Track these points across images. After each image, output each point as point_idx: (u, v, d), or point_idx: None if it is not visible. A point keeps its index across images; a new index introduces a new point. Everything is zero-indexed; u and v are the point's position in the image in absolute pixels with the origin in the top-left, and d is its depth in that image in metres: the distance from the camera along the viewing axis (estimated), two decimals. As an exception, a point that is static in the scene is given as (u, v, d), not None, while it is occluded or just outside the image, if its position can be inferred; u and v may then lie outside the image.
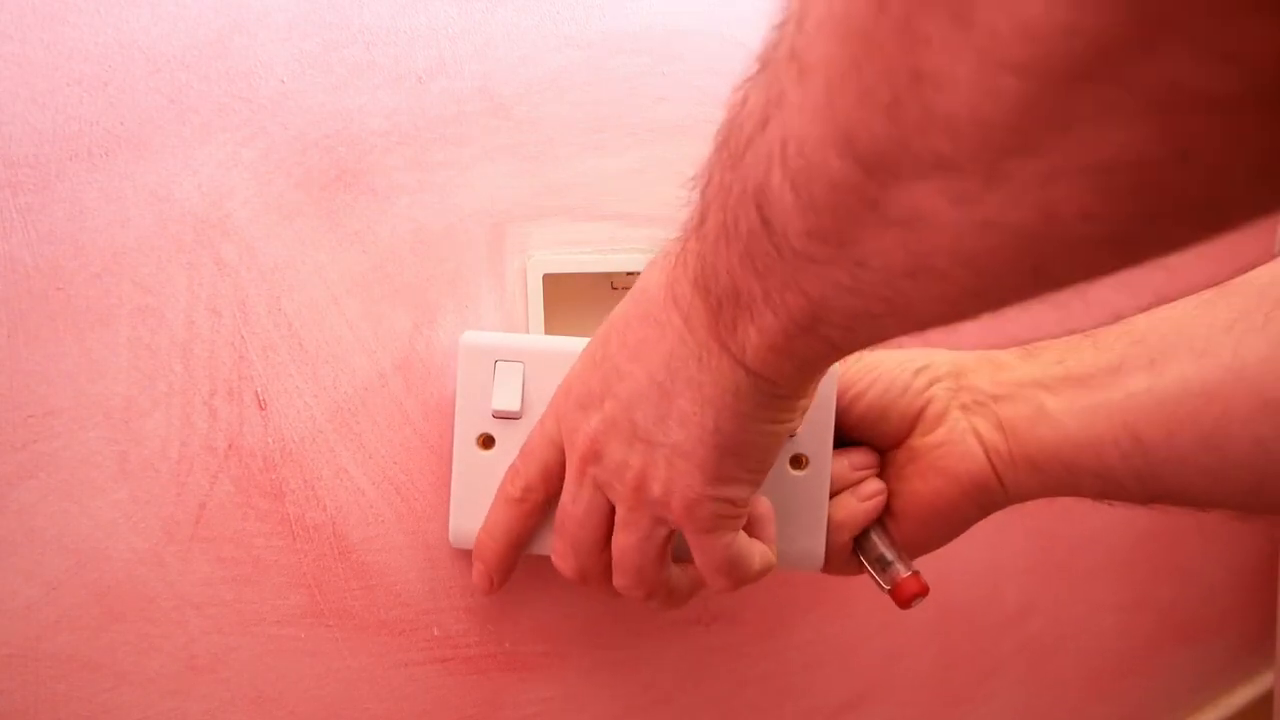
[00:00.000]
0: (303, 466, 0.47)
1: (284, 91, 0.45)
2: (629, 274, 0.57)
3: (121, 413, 0.42)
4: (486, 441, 0.46)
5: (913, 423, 0.46)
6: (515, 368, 0.46)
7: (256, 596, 0.46)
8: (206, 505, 0.45)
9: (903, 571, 0.47)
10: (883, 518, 0.48)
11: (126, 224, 0.42)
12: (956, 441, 0.45)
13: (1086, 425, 0.43)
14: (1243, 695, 1.04)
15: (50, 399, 0.41)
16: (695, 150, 0.57)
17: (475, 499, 0.47)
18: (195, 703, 0.45)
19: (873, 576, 0.48)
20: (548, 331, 0.53)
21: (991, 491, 0.46)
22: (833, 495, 0.47)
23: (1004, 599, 0.78)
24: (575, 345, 0.45)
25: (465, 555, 0.51)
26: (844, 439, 0.48)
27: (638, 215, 0.55)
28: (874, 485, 0.47)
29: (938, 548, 0.49)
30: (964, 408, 0.46)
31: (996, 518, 0.76)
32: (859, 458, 0.47)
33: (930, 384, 0.46)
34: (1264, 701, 1.04)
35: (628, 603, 0.58)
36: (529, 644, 0.54)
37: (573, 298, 0.56)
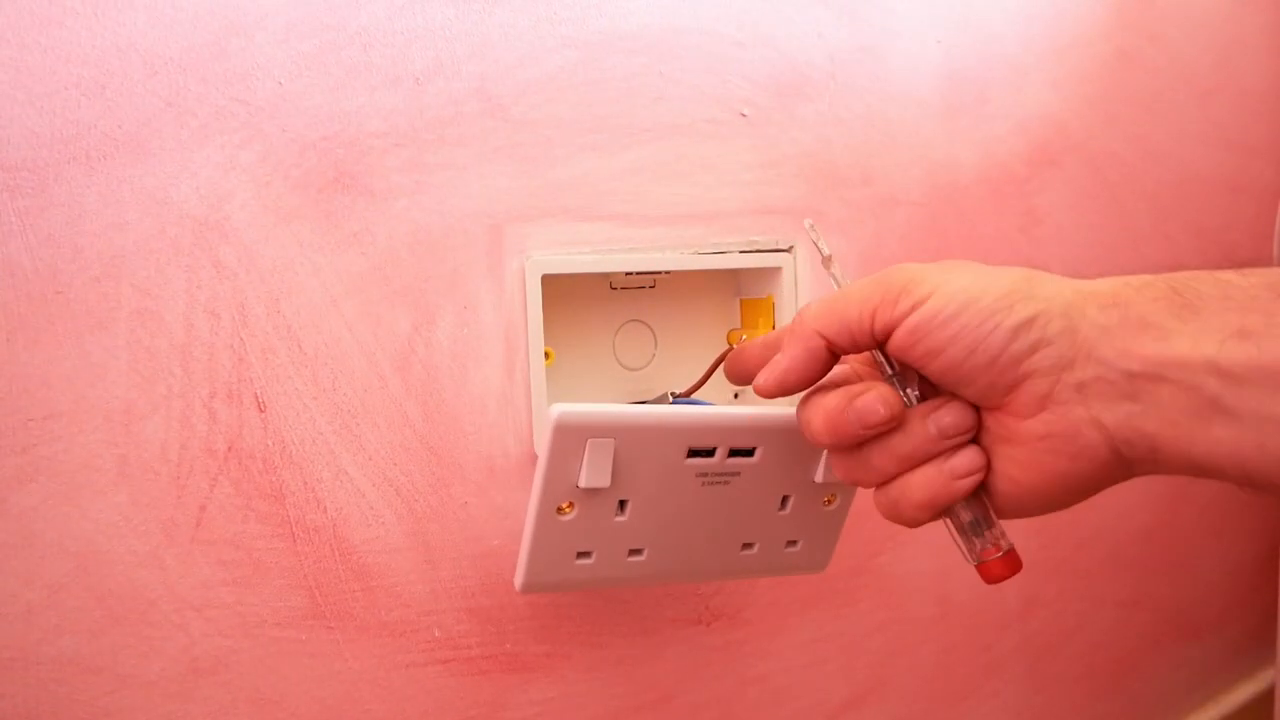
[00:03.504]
0: (303, 468, 0.47)
1: (282, 94, 0.45)
2: (627, 274, 0.57)
3: (121, 416, 0.42)
4: (566, 508, 0.47)
5: (1003, 396, 0.35)
6: (606, 444, 0.45)
7: (257, 599, 0.46)
8: (207, 508, 0.45)
9: (993, 547, 0.38)
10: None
11: (125, 227, 0.42)
12: (1068, 436, 0.34)
13: None
14: (1243, 692, 1.04)
15: (50, 402, 0.41)
16: (693, 150, 0.57)
17: (548, 556, 0.48)
18: (197, 705, 0.45)
19: (956, 543, 0.39)
20: (547, 331, 0.53)
21: (1114, 480, 0.35)
22: (915, 465, 0.37)
23: (1005, 596, 0.78)
24: (664, 416, 0.46)
25: (466, 556, 0.51)
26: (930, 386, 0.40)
27: (636, 215, 0.55)
28: (968, 461, 0.36)
29: (1038, 515, 0.38)
30: (1080, 388, 0.33)
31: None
32: (949, 421, 0.36)
33: (1031, 351, 0.34)
34: (1265, 698, 1.04)
35: (628, 603, 0.58)
36: (530, 644, 0.54)
37: (571, 298, 0.56)
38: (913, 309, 0.35)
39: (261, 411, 0.45)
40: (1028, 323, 0.34)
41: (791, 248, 0.60)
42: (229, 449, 0.45)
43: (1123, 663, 0.92)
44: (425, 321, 0.49)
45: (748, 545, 0.51)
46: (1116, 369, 0.33)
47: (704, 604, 0.61)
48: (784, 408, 0.51)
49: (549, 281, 0.52)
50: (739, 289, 0.62)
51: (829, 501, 0.51)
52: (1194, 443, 0.32)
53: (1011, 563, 0.38)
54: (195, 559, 0.44)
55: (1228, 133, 0.92)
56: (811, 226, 0.45)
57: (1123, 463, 0.34)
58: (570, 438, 0.44)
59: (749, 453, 0.48)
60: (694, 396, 0.58)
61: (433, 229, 0.49)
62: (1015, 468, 0.36)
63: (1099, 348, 0.33)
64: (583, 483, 0.45)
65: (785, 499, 0.50)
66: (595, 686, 0.57)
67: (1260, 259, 0.94)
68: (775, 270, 0.59)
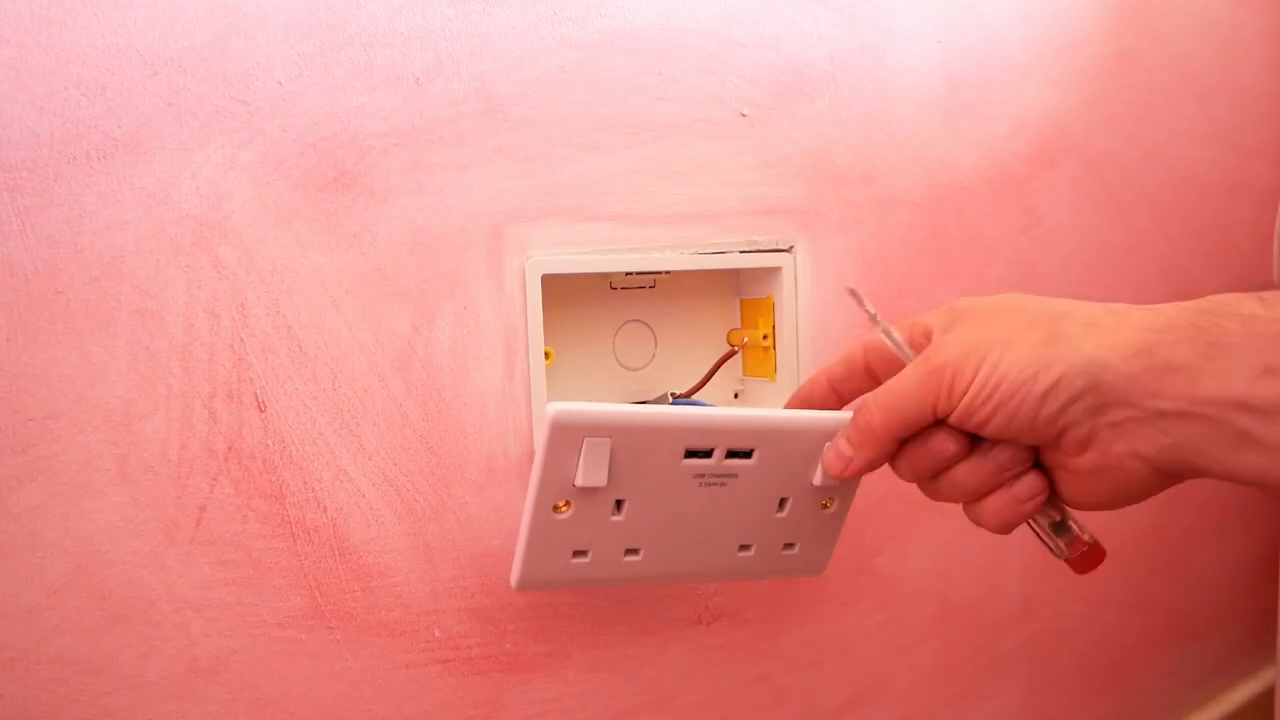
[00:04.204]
0: (302, 468, 0.47)
1: (282, 94, 0.45)
2: (627, 274, 0.57)
3: (121, 416, 0.42)
4: (563, 506, 0.47)
5: (1053, 441, 0.40)
6: (603, 444, 0.45)
7: (257, 599, 0.46)
8: (207, 508, 0.45)
9: (1077, 543, 0.43)
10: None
11: (125, 227, 0.42)
12: (1113, 468, 0.39)
13: None
14: (1244, 692, 1.04)
15: (50, 403, 0.41)
16: (693, 150, 0.57)
17: (544, 554, 0.48)
18: (197, 705, 0.45)
19: (1045, 544, 0.44)
20: (547, 331, 0.53)
21: (1166, 486, 0.40)
22: (982, 497, 0.43)
23: (1005, 596, 0.78)
24: (661, 416, 0.46)
25: (466, 556, 0.51)
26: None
27: (636, 215, 0.55)
28: (1028, 487, 0.42)
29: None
30: (1116, 427, 0.37)
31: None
32: (1005, 457, 0.41)
33: (1062, 410, 0.38)
34: (1265, 698, 1.04)
35: (628, 603, 0.58)
36: (530, 644, 0.54)
37: (571, 298, 0.56)
38: (960, 399, 0.40)
39: (261, 411, 0.45)
40: (1052, 388, 0.38)
41: (791, 248, 0.60)
42: (229, 449, 0.45)
43: (1123, 663, 0.91)
44: (425, 321, 0.49)
45: (745, 547, 0.51)
46: (1147, 409, 0.36)
47: (704, 604, 0.61)
48: (783, 409, 0.50)
49: (549, 281, 0.52)
50: (739, 289, 0.62)
51: (827, 505, 0.51)
52: (1229, 465, 0.36)
53: (1096, 554, 0.43)
54: (195, 559, 0.44)
55: (1228, 133, 0.92)
56: (853, 292, 0.46)
57: (1169, 477, 0.39)
58: (567, 437, 0.44)
59: (747, 454, 0.48)
60: (694, 397, 0.58)
61: (433, 229, 0.49)
62: (1073, 490, 0.41)
63: (1128, 394, 0.37)
64: (579, 481, 0.45)
65: (783, 501, 0.50)
66: (595, 686, 0.57)
67: (1260, 259, 0.94)
68: (775, 270, 0.59)
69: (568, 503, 0.46)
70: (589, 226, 0.54)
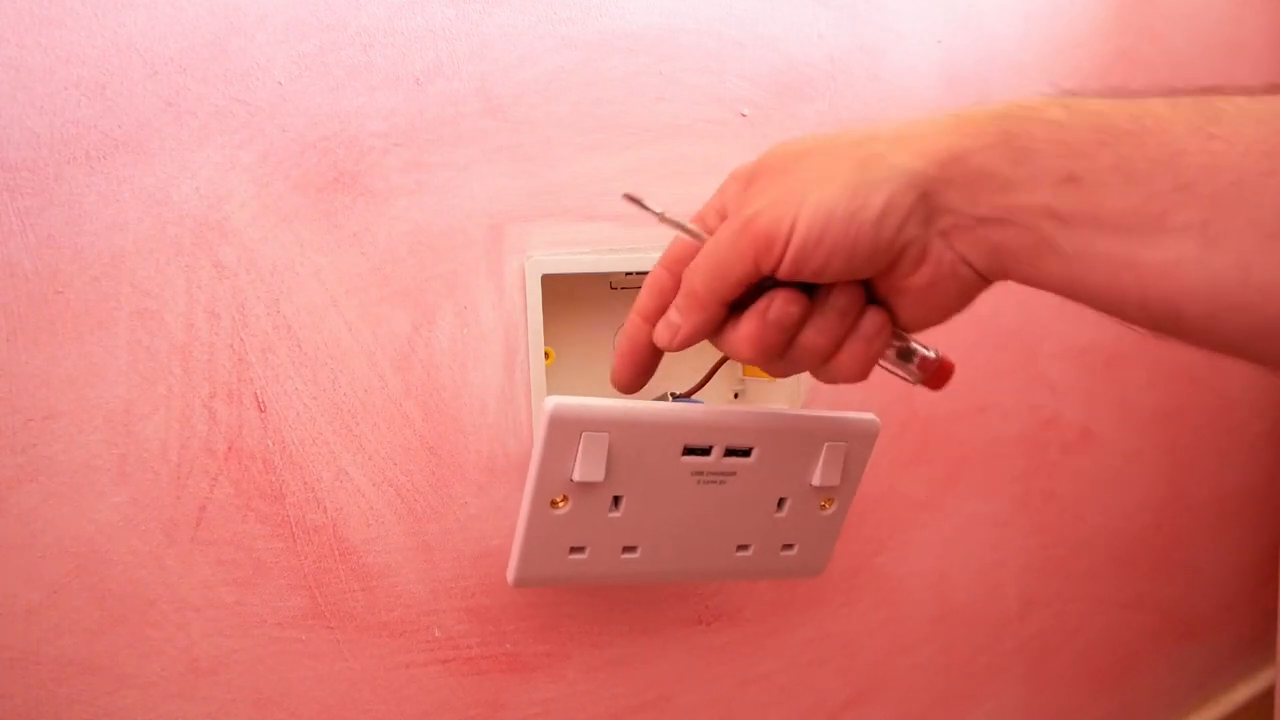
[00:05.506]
0: (303, 468, 0.47)
1: (282, 94, 0.45)
2: (627, 274, 0.57)
3: (121, 416, 0.42)
4: (560, 501, 0.47)
5: (890, 267, 0.39)
6: (601, 438, 0.45)
7: (257, 599, 0.46)
8: (207, 508, 0.45)
9: (928, 356, 0.43)
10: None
11: (125, 227, 0.42)
12: (947, 277, 0.39)
13: (1110, 279, 0.35)
14: (1244, 692, 1.04)
15: (50, 402, 0.41)
16: (693, 150, 0.57)
17: (541, 549, 0.48)
18: (197, 705, 0.45)
19: (896, 374, 0.44)
20: (547, 331, 0.53)
21: (985, 288, 0.40)
22: (834, 353, 0.41)
23: (1005, 596, 0.78)
24: (660, 413, 0.46)
25: (466, 556, 0.51)
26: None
27: (635, 215, 0.55)
28: (873, 321, 0.41)
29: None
30: (944, 235, 0.38)
31: (998, 516, 0.76)
32: (844, 301, 0.40)
33: (900, 228, 0.37)
34: (1265, 698, 1.04)
35: (628, 602, 0.58)
36: (530, 644, 0.54)
37: (571, 298, 0.56)
38: (785, 249, 0.38)
39: (261, 411, 0.45)
40: (885, 209, 0.37)
41: (791, 248, 0.59)
42: (229, 449, 0.45)
43: (1123, 663, 0.92)
44: (425, 321, 0.49)
45: (743, 547, 0.51)
46: (968, 215, 0.37)
47: (704, 604, 0.61)
48: (783, 409, 0.50)
49: (549, 281, 0.52)
50: (739, 289, 0.61)
51: (826, 505, 0.51)
52: (1034, 271, 0.37)
53: (946, 367, 0.43)
54: (195, 559, 0.44)
55: (1228, 133, 0.91)
56: (630, 197, 0.44)
57: (989, 281, 0.39)
58: (565, 431, 0.44)
59: (745, 453, 0.48)
60: (694, 397, 0.58)
61: (433, 229, 0.49)
62: (913, 311, 0.40)
63: (951, 201, 0.37)
64: (577, 476, 0.45)
65: (782, 501, 0.50)
66: (595, 686, 0.57)
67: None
68: (775, 270, 0.59)
69: (565, 498, 0.46)
70: (589, 226, 0.54)
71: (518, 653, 0.54)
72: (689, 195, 0.57)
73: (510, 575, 0.48)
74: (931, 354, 0.43)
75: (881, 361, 0.42)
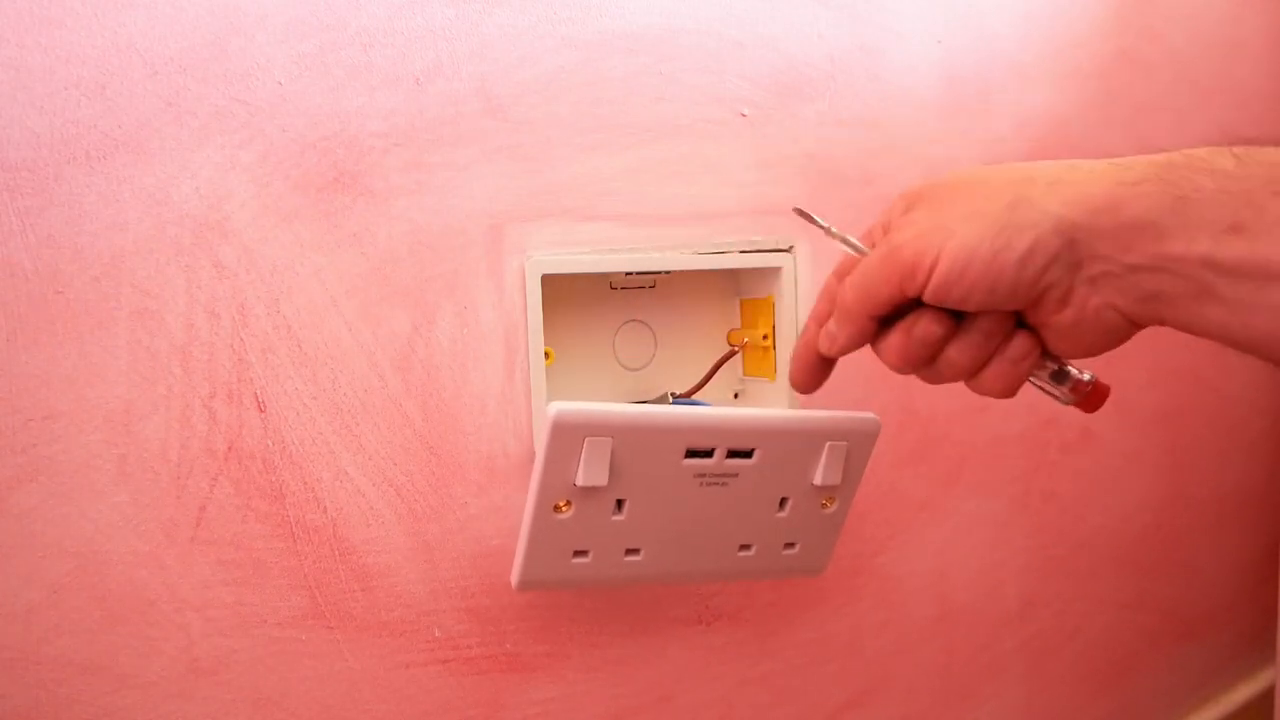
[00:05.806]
0: (302, 468, 0.47)
1: (282, 94, 0.45)
2: (627, 274, 0.57)
3: (121, 416, 0.42)
4: (564, 506, 0.47)
5: (1035, 303, 0.40)
6: (604, 443, 0.45)
7: (257, 599, 0.46)
8: (206, 508, 0.45)
9: (1081, 379, 0.44)
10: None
11: (125, 227, 0.42)
12: (1092, 321, 0.40)
13: (1277, 326, 0.35)
14: (1244, 692, 1.04)
15: (50, 402, 0.41)
16: (693, 150, 0.57)
17: (545, 554, 0.48)
18: (197, 705, 0.45)
19: (1049, 394, 0.45)
20: (547, 331, 0.53)
21: (1140, 329, 0.41)
22: (979, 369, 0.43)
23: (1005, 596, 0.78)
24: (662, 417, 0.46)
25: (466, 556, 0.51)
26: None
27: (636, 215, 0.55)
28: (1021, 345, 0.42)
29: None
30: (1092, 281, 0.39)
31: (998, 516, 0.76)
32: (989, 325, 0.42)
33: (1042, 272, 0.39)
34: (1265, 698, 1.05)
35: (628, 603, 0.58)
36: (530, 644, 0.54)
37: (571, 298, 0.56)
38: (929, 279, 0.40)
39: (261, 411, 0.45)
40: (1029, 253, 0.38)
41: (791, 247, 0.60)
42: (229, 449, 0.45)
43: (1123, 663, 0.92)
44: (425, 321, 0.49)
45: (745, 546, 0.51)
46: (1119, 263, 0.37)
47: (704, 604, 0.61)
48: (783, 409, 0.50)
49: (549, 281, 0.52)
50: (739, 289, 0.62)
51: (827, 504, 0.51)
52: (1193, 319, 0.37)
53: (1101, 390, 0.44)
54: (195, 559, 0.44)
55: (1228, 133, 0.92)
56: (800, 211, 0.46)
57: (1142, 325, 0.40)
58: (568, 436, 0.44)
59: (747, 454, 0.48)
60: (694, 397, 0.58)
61: (433, 229, 0.49)
62: (1060, 343, 0.42)
63: (1101, 249, 0.38)
64: (580, 481, 0.45)
65: (783, 501, 0.50)
66: (595, 686, 0.57)
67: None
68: (775, 270, 0.59)
69: (569, 502, 0.46)
70: (589, 226, 0.54)
71: (518, 653, 0.54)
72: (689, 196, 0.57)
73: (514, 579, 0.48)
74: (1086, 377, 0.44)
75: (1034, 380, 0.44)
